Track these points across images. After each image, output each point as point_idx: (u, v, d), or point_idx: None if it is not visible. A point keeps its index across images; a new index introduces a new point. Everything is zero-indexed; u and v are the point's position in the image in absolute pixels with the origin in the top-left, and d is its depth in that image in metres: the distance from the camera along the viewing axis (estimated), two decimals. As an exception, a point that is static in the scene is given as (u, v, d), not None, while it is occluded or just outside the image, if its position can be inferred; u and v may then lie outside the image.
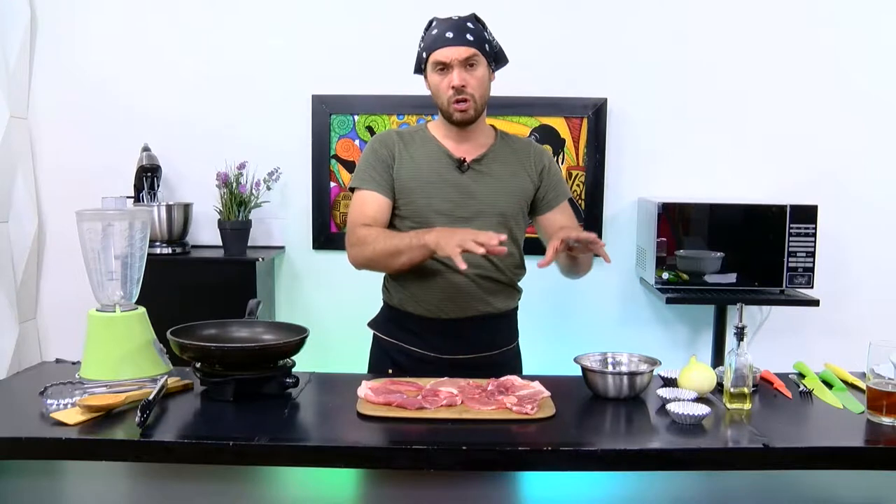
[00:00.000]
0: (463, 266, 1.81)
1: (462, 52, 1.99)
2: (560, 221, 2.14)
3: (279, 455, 1.52)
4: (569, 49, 3.20)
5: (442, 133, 2.11)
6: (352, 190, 2.11)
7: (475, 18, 2.06)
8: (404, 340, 2.10)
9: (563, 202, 2.17)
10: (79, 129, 3.27)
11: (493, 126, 2.18)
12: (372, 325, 2.20)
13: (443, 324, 2.06)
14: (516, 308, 2.18)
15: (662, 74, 3.21)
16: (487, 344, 2.10)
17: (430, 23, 2.08)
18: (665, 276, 2.96)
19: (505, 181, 2.09)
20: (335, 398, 1.82)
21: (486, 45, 2.04)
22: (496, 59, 2.10)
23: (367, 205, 2.05)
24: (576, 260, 2.05)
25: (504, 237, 1.82)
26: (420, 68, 2.11)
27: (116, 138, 3.24)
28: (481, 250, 1.79)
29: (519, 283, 2.17)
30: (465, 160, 2.07)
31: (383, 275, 2.16)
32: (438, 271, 2.03)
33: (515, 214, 2.10)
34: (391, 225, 2.10)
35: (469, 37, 2.01)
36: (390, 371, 2.04)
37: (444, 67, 2.01)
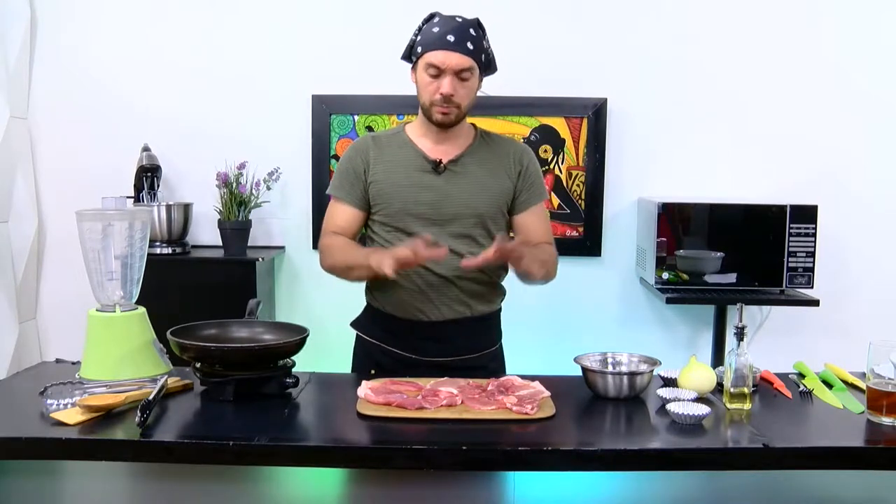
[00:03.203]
0: (389, 272, 1.83)
1: (459, 61, 1.95)
2: (531, 224, 2.13)
3: (279, 455, 1.52)
4: (569, 49, 3.20)
5: (419, 133, 2.08)
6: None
7: (478, 24, 2.01)
8: (386, 342, 2.09)
9: (536, 204, 2.14)
10: (79, 129, 3.27)
11: (473, 125, 2.14)
12: (355, 324, 2.19)
13: (423, 326, 2.05)
14: (499, 310, 2.17)
15: (662, 74, 3.21)
16: (468, 347, 2.09)
17: (432, 16, 2.02)
18: (665, 276, 2.96)
19: (483, 182, 2.05)
20: (335, 398, 1.82)
21: (483, 55, 2.00)
22: (488, 67, 2.06)
23: (336, 215, 2.10)
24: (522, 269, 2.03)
25: (443, 248, 1.88)
26: (409, 57, 2.05)
27: (116, 138, 3.24)
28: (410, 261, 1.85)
29: (502, 284, 2.15)
30: (440, 162, 2.04)
31: None
32: (417, 273, 2.02)
33: (494, 215, 2.07)
34: (370, 229, 2.10)
35: (469, 45, 1.95)
36: (373, 371, 2.03)
37: (437, 72, 1.96)
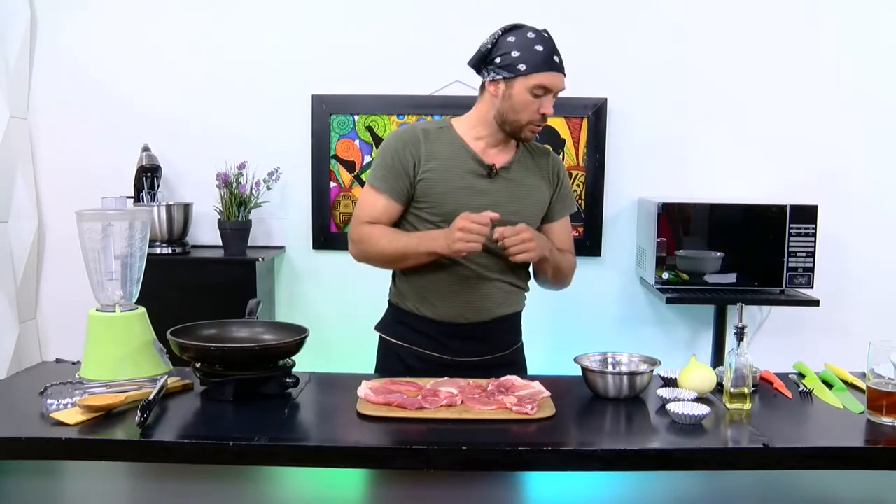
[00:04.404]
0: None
1: (563, 83, 2.00)
2: (558, 232, 2.17)
3: (279, 455, 1.52)
4: (569, 49, 3.14)
5: (471, 135, 2.06)
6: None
7: None
8: (419, 344, 2.08)
9: (566, 216, 2.19)
10: (79, 129, 3.27)
11: None
12: (379, 328, 2.18)
13: (462, 328, 2.06)
14: (523, 309, 2.20)
15: (662, 74, 3.21)
16: (502, 344, 2.12)
17: (515, 27, 1.99)
18: (665, 276, 2.96)
19: (529, 190, 2.08)
20: (335, 398, 1.82)
21: None
22: None
23: (376, 206, 2.05)
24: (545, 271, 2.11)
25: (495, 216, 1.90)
26: (482, 67, 2.01)
27: (116, 138, 3.24)
28: (479, 243, 1.88)
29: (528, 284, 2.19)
30: (494, 167, 2.04)
31: (391, 276, 2.16)
32: (464, 276, 2.03)
33: (535, 224, 2.10)
34: (409, 222, 2.07)
35: (563, 64, 2.00)
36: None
37: (543, 93, 1.96)
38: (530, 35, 1.97)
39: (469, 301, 2.04)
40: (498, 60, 1.97)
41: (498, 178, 2.05)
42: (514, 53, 1.95)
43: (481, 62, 2.02)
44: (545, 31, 2.01)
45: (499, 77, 1.98)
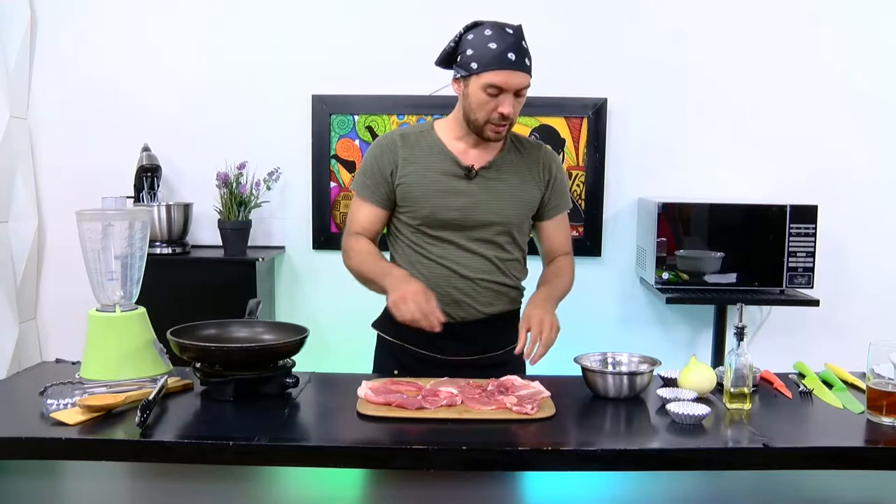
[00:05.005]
0: (436, 329, 1.87)
1: (522, 80, 1.91)
2: (554, 231, 2.16)
3: (279, 455, 1.52)
4: (569, 49, 3.20)
5: (452, 136, 2.05)
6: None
7: (523, 32, 1.95)
8: (410, 342, 2.08)
9: (562, 213, 2.17)
10: (79, 129, 3.27)
11: None
12: (376, 325, 2.18)
13: (449, 327, 2.05)
14: (519, 308, 2.18)
15: (662, 74, 3.21)
16: (493, 344, 2.10)
17: (477, 24, 1.95)
18: (665, 276, 2.96)
19: (513, 190, 2.06)
20: (335, 398, 1.82)
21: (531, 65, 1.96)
22: None
23: (360, 213, 2.09)
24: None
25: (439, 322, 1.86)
26: (449, 65, 2.00)
27: (116, 138, 3.24)
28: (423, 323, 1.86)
29: (523, 284, 2.17)
30: (473, 168, 2.03)
31: None
32: (444, 276, 2.03)
33: (521, 223, 2.09)
34: (395, 227, 2.10)
35: (526, 61, 1.91)
36: (396, 372, 2.03)
37: (497, 92, 1.91)
38: (487, 32, 1.92)
39: (454, 300, 2.04)
40: (459, 59, 1.96)
41: (477, 179, 2.03)
42: (469, 52, 1.93)
43: (446, 61, 2.01)
44: (510, 26, 1.94)
45: (458, 76, 1.98)
